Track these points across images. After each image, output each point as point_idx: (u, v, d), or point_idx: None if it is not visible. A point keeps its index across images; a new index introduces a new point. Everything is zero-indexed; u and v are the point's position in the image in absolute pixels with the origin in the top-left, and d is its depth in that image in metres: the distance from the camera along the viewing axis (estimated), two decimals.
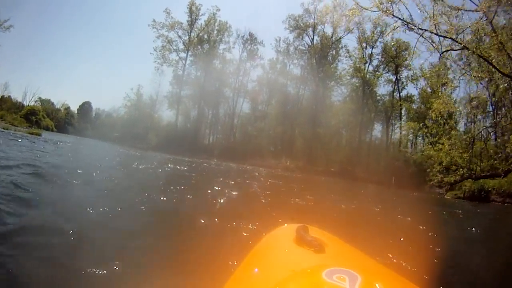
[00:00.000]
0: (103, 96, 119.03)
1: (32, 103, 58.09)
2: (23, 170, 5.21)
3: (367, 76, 42.29)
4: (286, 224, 1.56)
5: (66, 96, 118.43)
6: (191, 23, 48.58)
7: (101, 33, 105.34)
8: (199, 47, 49.32)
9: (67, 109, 69.85)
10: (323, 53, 44.57)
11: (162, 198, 4.86)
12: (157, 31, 47.56)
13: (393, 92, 43.18)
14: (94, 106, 72.66)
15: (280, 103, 49.46)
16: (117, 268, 2.03)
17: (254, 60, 50.73)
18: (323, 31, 45.35)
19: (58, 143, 18.86)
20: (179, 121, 50.73)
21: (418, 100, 42.69)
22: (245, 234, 3.22)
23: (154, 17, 47.93)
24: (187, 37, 48.58)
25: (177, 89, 49.61)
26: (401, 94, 42.31)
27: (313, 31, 45.51)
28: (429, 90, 40.15)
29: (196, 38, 48.72)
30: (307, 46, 46.46)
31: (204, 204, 5.13)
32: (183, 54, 49.05)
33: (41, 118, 53.45)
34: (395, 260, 2.67)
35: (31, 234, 2.51)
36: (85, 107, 72.45)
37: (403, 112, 42.62)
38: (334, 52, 45.64)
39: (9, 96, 56.83)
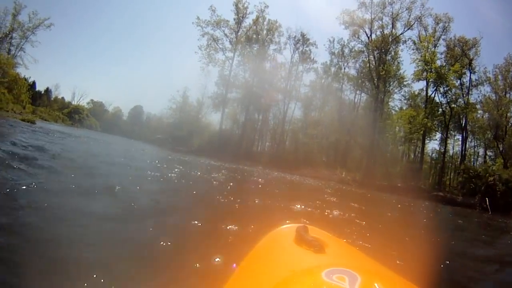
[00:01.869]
0: (155, 100, 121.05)
1: (83, 104, 59.56)
2: None
3: (439, 69, 36.36)
4: (286, 224, 1.54)
5: (122, 101, 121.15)
6: (238, 21, 45.54)
7: (151, 36, 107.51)
8: (248, 47, 46.15)
9: (118, 111, 71.08)
10: (383, 49, 39.57)
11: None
12: (202, 29, 45.06)
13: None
14: (146, 111, 72.98)
15: (334, 110, 45.52)
16: (114, 267, 2.06)
17: (306, 63, 47.06)
18: (382, 26, 40.32)
19: (50, 133, 16.15)
20: (226, 125, 48.48)
21: (480, 108, 37.99)
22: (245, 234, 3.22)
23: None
24: (234, 36, 45.74)
25: (222, 90, 46.92)
26: (467, 99, 36.82)
27: (370, 28, 40.60)
28: (493, 96, 35.62)
29: (243, 37, 45.70)
30: (364, 44, 41.65)
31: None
32: (230, 54, 46.18)
33: (84, 117, 54.59)
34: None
35: None
36: (136, 111, 73.09)
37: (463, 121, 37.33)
38: (393, 53, 40.60)
39: (62, 97, 59.25)
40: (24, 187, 3.59)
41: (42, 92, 57.65)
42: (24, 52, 40.71)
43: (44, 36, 79.14)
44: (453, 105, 36.87)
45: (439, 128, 39.30)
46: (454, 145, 43.49)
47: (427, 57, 36.72)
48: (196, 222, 3.53)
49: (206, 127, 50.29)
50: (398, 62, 40.34)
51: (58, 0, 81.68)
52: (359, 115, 43.75)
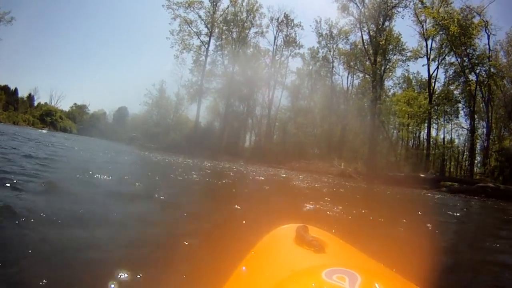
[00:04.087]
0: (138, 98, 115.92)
1: (60, 107, 57.57)
2: None
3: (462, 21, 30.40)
4: (286, 224, 1.51)
5: (108, 103, 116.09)
6: (214, 2, 40.07)
7: (125, 29, 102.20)
8: (226, 31, 40.83)
9: (101, 114, 67.49)
10: (381, 15, 34.13)
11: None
12: (173, 11, 39.33)
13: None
14: (131, 111, 68.96)
15: (325, 96, 40.65)
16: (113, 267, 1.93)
17: (292, 47, 41.89)
18: None
19: None
20: (207, 119, 43.93)
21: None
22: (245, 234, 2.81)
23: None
24: (210, 18, 40.23)
25: (198, 77, 41.26)
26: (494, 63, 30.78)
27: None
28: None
29: (220, 19, 40.33)
30: (356, 17, 36.05)
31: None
32: (205, 39, 40.78)
33: (57, 119, 52.06)
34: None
35: None
36: (121, 112, 68.70)
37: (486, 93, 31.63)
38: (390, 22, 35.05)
39: (45, 102, 58.43)
40: None
41: (25, 99, 57.50)
42: None
43: (24, 36, 74.52)
44: (478, 70, 30.97)
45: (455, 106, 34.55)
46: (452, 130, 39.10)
47: (440, 15, 30.97)
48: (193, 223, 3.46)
49: (185, 123, 45.71)
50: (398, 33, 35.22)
51: None
52: (354, 100, 39.35)
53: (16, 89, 55.97)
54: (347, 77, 40.95)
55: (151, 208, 4.02)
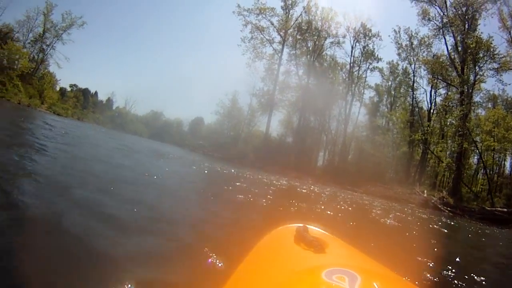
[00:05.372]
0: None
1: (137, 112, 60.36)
2: None
3: None
4: (286, 224, 1.53)
5: (183, 111, 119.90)
6: (286, 8, 38.72)
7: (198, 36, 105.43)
8: (300, 40, 39.14)
9: (179, 122, 69.80)
10: (465, 19, 30.37)
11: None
12: (244, 18, 38.73)
13: None
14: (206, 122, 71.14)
15: (405, 114, 37.38)
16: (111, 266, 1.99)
17: (370, 60, 39.26)
18: None
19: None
20: (278, 131, 42.54)
21: None
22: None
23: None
24: (282, 26, 38.94)
25: (269, 86, 40.07)
26: None
27: (445, 1, 31.76)
28: None
29: (293, 27, 38.90)
30: (440, 19, 32.64)
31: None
32: (278, 47, 39.39)
33: (128, 122, 53.82)
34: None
35: None
36: (196, 122, 70.90)
37: None
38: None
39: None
40: None
41: (104, 102, 61.07)
42: (54, 49, 40.96)
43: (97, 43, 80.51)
44: None
45: None
46: None
47: None
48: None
49: (256, 135, 44.83)
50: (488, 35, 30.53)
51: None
52: (436, 118, 35.61)
53: (96, 92, 60.23)
54: (430, 92, 36.82)
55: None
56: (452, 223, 13.00)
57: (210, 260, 2.28)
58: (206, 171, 12.06)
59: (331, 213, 6.98)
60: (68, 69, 79.82)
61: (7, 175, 3.41)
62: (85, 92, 57.69)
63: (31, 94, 36.05)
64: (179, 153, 20.44)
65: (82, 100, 55.16)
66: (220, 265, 2.19)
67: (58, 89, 50.23)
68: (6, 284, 1.63)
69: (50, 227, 2.42)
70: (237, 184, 8.85)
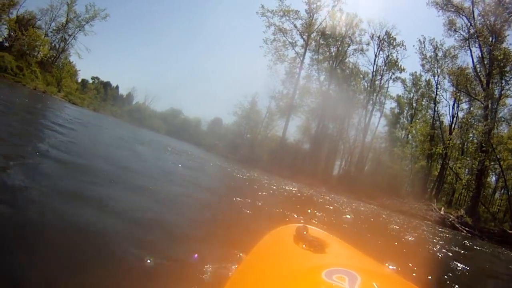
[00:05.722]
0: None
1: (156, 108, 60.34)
2: None
3: None
4: (286, 224, 1.51)
5: (202, 110, 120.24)
6: (310, 12, 38.16)
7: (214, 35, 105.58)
8: (323, 45, 38.66)
9: (198, 121, 70.13)
10: (493, 30, 29.29)
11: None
12: (267, 19, 38.25)
13: None
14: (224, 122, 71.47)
15: (425, 127, 36.38)
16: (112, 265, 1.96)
17: (393, 70, 38.46)
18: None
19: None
20: (292, 135, 42.07)
21: None
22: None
23: None
24: (305, 29, 38.35)
25: (290, 89, 39.59)
26: None
27: (473, 11, 30.79)
28: None
29: (317, 31, 38.37)
30: (466, 30, 31.78)
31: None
32: (301, 50, 38.85)
33: (146, 118, 53.74)
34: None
35: None
36: (215, 122, 71.39)
37: None
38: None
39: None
40: None
41: (124, 96, 62.78)
42: (76, 40, 41.40)
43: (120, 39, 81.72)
44: None
45: None
46: None
47: None
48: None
49: (272, 139, 44.37)
50: None
51: None
52: (458, 133, 34.42)
53: (117, 86, 61.95)
54: (453, 105, 35.63)
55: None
56: (470, 243, 12.46)
57: (210, 260, 2.27)
58: (215, 169, 12.13)
59: (347, 225, 6.69)
60: (91, 61, 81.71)
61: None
62: (106, 85, 58.93)
63: (49, 82, 36.51)
64: (197, 152, 20.62)
65: (102, 93, 56.30)
66: (220, 264, 2.16)
67: (80, 80, 51.23)
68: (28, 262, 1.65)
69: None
70: (246, 185, 8.89)
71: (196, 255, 2.28)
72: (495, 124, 28.89)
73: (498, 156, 28.68)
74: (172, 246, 2.54)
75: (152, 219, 3.14)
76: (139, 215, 3.13)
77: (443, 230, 15.42)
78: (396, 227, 10.30)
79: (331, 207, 10.28)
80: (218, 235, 3.18)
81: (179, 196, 4.87)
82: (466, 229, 18.05)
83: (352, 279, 0.73)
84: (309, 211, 7.14)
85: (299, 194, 11.19)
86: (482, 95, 29.75)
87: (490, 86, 29.01)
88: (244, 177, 12.54)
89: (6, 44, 34.21)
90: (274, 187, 11.07)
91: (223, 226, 3.67)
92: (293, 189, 13.30)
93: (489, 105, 28.67)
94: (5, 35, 35.06)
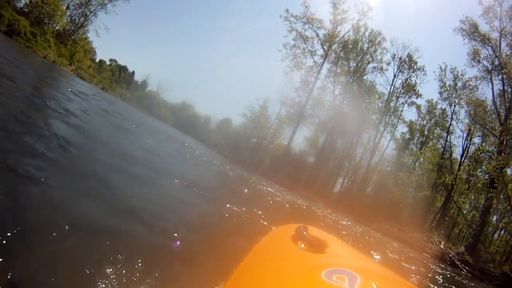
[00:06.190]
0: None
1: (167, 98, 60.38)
2: None
3: None
4: (286, 224, 1.50)
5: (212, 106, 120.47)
6: (335, 23, 37.53)
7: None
8: (343, 59, 37.98)
9: (207, 118, 69.40)
10: None
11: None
12: (290, 24, 37.67)
13: None
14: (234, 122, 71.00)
15: (434, 157, 35.47)
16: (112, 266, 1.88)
17: (410, 93, 37.47)
18: None
19: None
20: (298, 145, 41.58)
21: None
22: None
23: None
24: (327, 39, 37.74)
25: (302, 97, 39.04)
26: None
27: (500, 42, 29.98)
28: None
29: (338, 43, 37.77)
30: (490, 62, 30.94)
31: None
32: (319, 60, 38.20)
33: (155, 106, 53.60)
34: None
35: None
36: (224, 122, 70.88)
37: None
38: None
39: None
40: None
41: (139, 83, 61.97)
42: (96, 17, 41.11)
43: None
44: None
45: None
46: None
47: None
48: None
49: (278, 146, 43.86)
50: None
51: None
52: (466, 167, 33.06)
53: (133, 72, 61.12)
54: (466, 138, 34.49)
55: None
56: (472, 284, 11.53)
57: (209, 259, 2.32)
58: (215, 170, 11.76)
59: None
60: (112, 44, 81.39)
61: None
62: (122, 69, 58.61)
63: (62, 53, 36.21)
64: (198, 147, 20.57)
65: (117, 76, 55.92)
66: (220, 264, 2.12)
67: (97, 60, 51.22)
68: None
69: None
70: (238, 188, 8.73)
71: (178, 242, 2.33)
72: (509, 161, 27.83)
73: (509, 195, 27.56)
74: (172, 246, 2.52)
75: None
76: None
77: (443, 266, 14.44)
78: (395, 255, 9.41)
79: (322, 224, 9.44)
80: (218, 234, 3.30)
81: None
82: (466, 268, 16.99)
83: (352, 279, 0.72)
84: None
85: (287, 205, 10.35)
86: (498, 130, 28.70)
87: (508, 121, 27.95)
88: (237, 176, 12.53)
89: (26, 10, 33.98)
90: (266, 192, 10.40)
91: (223, 225, 3.74)
92: (287, 196, 12.60)
93: (505, 141, 27.57)
94: (27, 1, 34.88)
